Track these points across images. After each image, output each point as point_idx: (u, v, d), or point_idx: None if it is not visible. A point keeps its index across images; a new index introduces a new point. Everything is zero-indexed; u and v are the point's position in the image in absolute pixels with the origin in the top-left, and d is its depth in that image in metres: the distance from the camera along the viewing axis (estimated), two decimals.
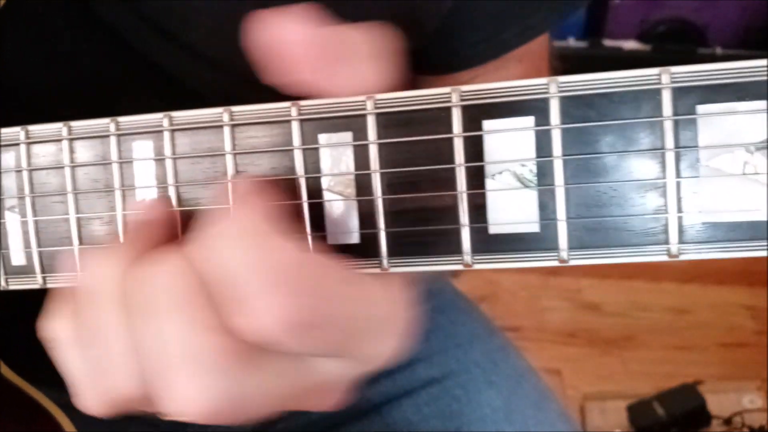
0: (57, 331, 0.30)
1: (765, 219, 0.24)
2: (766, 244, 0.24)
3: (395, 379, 0.65)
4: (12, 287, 0.34)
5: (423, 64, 0.52)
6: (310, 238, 0.28)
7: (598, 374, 1.59)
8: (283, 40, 0.26)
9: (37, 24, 0.42)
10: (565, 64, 0.56)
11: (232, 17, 0.42)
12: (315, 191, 0.28)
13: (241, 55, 0.42)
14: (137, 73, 0.45)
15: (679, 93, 0.24)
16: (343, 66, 0.26)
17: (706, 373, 1.56)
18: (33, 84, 0.43)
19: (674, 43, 1.80)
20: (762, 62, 0.23)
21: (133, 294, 0.27)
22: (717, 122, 0.24)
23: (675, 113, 0.24)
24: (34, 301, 0.38)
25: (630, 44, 1.82)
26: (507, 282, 1.72)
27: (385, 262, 0.28)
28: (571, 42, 1.79)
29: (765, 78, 0.23)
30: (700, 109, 0.24)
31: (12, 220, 0.33)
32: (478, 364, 0.65)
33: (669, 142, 0.24)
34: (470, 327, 0.70)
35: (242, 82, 0.43)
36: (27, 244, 0.33)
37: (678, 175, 0.24)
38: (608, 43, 1.83)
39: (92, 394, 0.30)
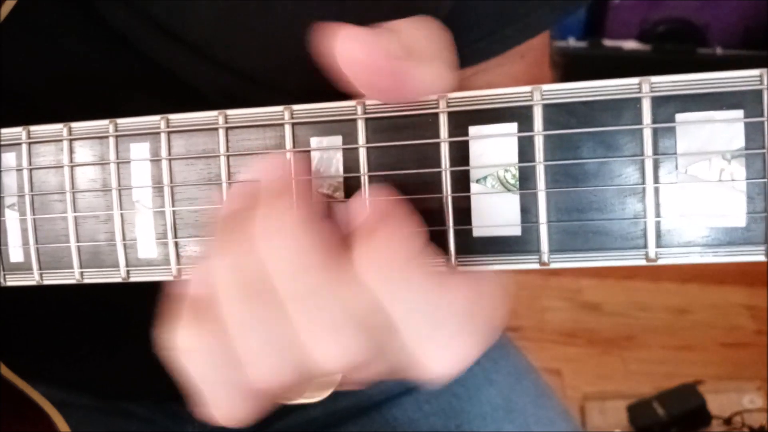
0: (184, 341, 0.28)
1: (743, 225, 0.24)
2: (742, 249, 0.25)
3: None
4: (9, 284, 0.35)
5: None
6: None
7: (598, 374, 1.60)
8: (351, 60, 0.25)
9: (41, 25, 0.43)
10: (566, 63, 0.56)
11: (234, 17, 0.43)
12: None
13: (243, 54, 0.43)
14: (139, 73, 0.45)
15: (658, 102, 0.25)
16: (412, 74, 0.26)
17: (706, 373, 1.57)
18: (36, 84, 0.44)
19: (674, 43, 1.80)
20: (739, 73, 0.24)
21: (254, 282, 0.26)
22: (695, 130, 0.25)
23: (654, 121, 0.25)
24: (31, 299, 0.39)
25: (630, 44, 1.82)
26: (507, 282, 1.72)
27: None
28: (571, 42, 1.80)
29: (742, 88, 0.24)
30: (679, 117, 0.25)
31: (11, 218, 0.34)
32: (478, 362, 0.65)
33: (648, 149, 0.25)
34: None
35: (244, 82, 0.44)
36: (25, 242, 0.34)
37: (657, 181, 0.25)
38: (608, 43, 1.83)
39: (227, 399, 0.29)
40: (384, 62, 0.25)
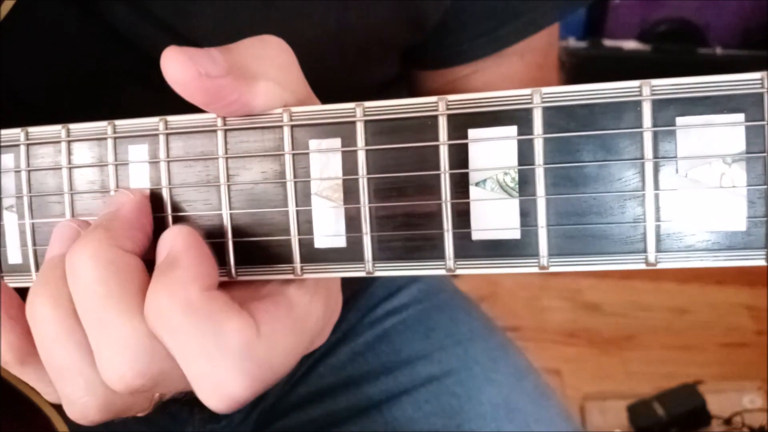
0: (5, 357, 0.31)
1: (743, 229, 0.24)
2: (742, 254, 0.25)
3: (396, 376, 0.65)
4: (9, 285, 0.35)
5: (423, 59, 0.52)
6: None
7: (598, 374, 1.60)
8: (171, 79, 0.28)
9: (41, 24, 0.43)
10: (572, 64, 0.56)
11: (235, 13, 0.43)
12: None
13: None
14: (140, 70, 0.45)
15: (659, 105, 0.25)
16: (227, 92, 0.28)
17: (706, 373, 1.56)
18: (35, 82, 0.44)
19: (674, 43, 1.80)
20: (740, 76, 0.24)
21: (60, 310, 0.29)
22: (696, 134, 0.24)
23: (655, 124, 0.25)
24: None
25: (630, 44, 1.82)
26: (507, 282, 1.72)
27: (369, 266, 0.29)
28: (571, 42, 1.79)
29: (743, 91, 0.24)
30: (680, 121, 0.24)
31: (9, 220, 0.34)
32: (478, 362, 0.66)
33: (648, 152, 0.25)
34: (470, 325, 0.70)
35: None
36: (24, 243, 0.34)
37: (657, 185, 0.25)
38: (608, 43, 1.82)
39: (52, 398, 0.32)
40: (195, 81, 0.27)
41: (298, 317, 0.29)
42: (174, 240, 0.28)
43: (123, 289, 0.27)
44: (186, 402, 0.69)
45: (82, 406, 0.30)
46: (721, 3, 1.75)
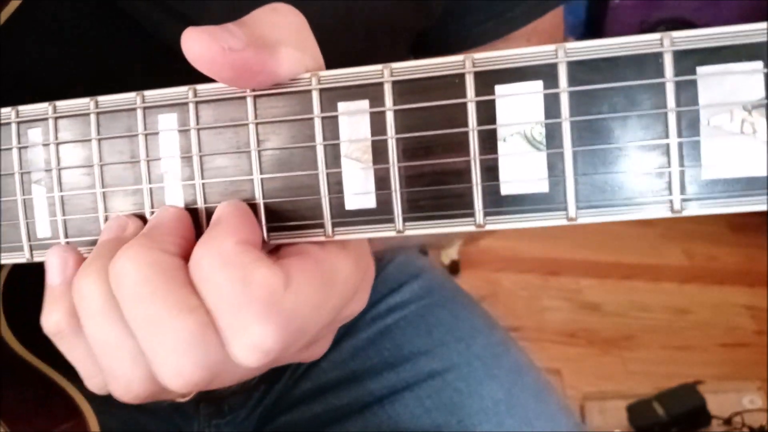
0: (51, 326, 0.32)
1: (764, 174, 0.25)
2: (765, 198, 0.25)
3: (398, 372, 0.66)
4: (37, 260, 0.35)
5: (431, 43, 0.53)
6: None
7: (598, 374, 1.60)
8: (194, 58, 0.28)
9: (53, 12, 0.43)
10: None
11: (246, 2, 0.44)
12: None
13: None
14: (152, 57, 0.46)
15: (679, 56, 0.26)
16: (252, 63, 0.29)
17: (706, 373, 1.57)
18: (48, 71, 0.44)
19: None
20: (759, 25, 0.25)
21: (104, 303, 0.30)
22: (716, 83, 0.25)
23: (676, 75, 0.26)
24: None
25: None
26: (507, 282, 1.73)
27: (399, 224, 0.29)
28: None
29: (762, 39, 0.25)
30: (700, 70, 0.25)
31: (38, 193, 0.34)
32: (479, 357, 0.66)
33: (671, 102, 0.26)
34: (471, 321, 0.71)
35: None
36: (52, 215, 0.34)
37: (680, 134, 0.26)
38: None
39: (93, 382, 0.33)
40: (220, 57, 0.28)
41: (326, 272, 0.29)
42: (220, 208, 0.30)
43: (168, 285, 0.28)
44: (192, 397, 0.69)
45: (126, 381, 0.30)
46: (720, 3, 1.77)
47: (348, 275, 0.30)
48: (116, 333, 0.29)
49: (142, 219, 0.33)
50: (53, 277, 0.32)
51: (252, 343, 0.27)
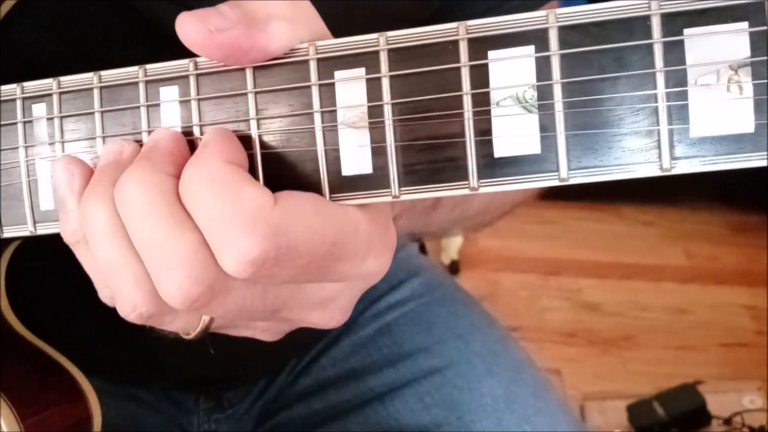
0: (69, 236, 0.34)
1: (752, 131, 0.26)
2: (752, 156, 0.26)
3: (398, 369, 0.66)
4: (40, 232, 0.36)
5: None
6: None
7: (598, 374, 1.60)
8: (187, 41, 0.29)
9: (54, 4, 0.44)
10: None
11: None
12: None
13: None
14: (154, 45, 0.47)
15: (667, 18, 0.26)
16: (242, 42, 0.29)
17: (706, 373, 1.57)
18: (50, 61, 0.45)
19: None
20: None
21: (110, 224, 0.31)
22: (703, 43, 0.26)
23: (663, 36, 0.26)
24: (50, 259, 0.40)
25: None
26: (507, 282, 1.73)
27: (396, 190, 0.30)
28: None
29: (745, 1, 0.25)
30: (687, 32, 0.26)
31: (42, 167, 0.35)
32: (478, 355, 0.67)
33: (659, 63, 0.26)
34: (471, 318, 0.71)
35: None
36: (56, 189, 0.35)
37: (668, 94, 0.26)
38: None
39: (104, 293, 0.34)
40: (208, 39, 0.29)
41: (320, 202, 0.30)
42: (207, 133, 0.31)
43: (170, 207, 0.29)
44: (192, 391, 0.69)
45: (131, 299, 0.31)
46: None
47: (358, 221, 0.30)
48: (122, 253, 0.31)
49: (138, 142, 0.33)
50: (64, 194, 0.33)
51: (238, 254, 0.28)
